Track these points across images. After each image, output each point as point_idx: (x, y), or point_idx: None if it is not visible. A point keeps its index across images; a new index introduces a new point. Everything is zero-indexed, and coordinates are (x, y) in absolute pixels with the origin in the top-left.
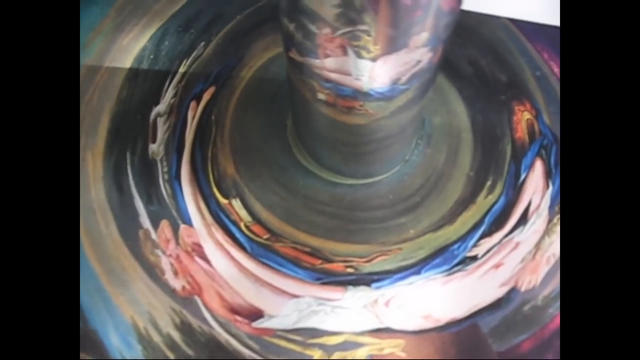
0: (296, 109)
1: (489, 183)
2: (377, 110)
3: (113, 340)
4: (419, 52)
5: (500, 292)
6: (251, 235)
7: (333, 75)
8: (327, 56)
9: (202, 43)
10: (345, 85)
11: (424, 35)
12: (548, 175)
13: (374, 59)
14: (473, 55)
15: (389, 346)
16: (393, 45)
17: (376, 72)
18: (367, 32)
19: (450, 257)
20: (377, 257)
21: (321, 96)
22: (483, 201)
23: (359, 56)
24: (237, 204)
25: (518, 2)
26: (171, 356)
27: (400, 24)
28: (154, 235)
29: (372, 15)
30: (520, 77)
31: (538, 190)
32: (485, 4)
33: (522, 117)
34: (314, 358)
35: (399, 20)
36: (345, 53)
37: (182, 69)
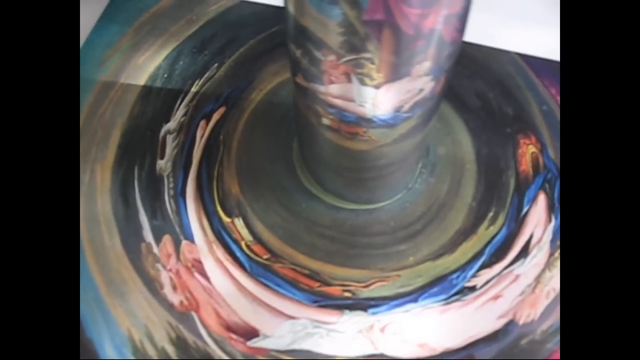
0: (301, 132)
1: (490, 214)
2: (380, 137)
3: (108, 351)
4: (421, 81)
5: (497, 325)
6: (251, 255)
7: (337, 102)
8: (331, 82)
9: (215, 65)
10: (349, 111)
11: (426, 65)
12: (551, 209)
13: (377, 87)
14: (481, 88)
15: None
16: (396, 73)
17: (379, 99)
18: (371, 60)
19: (448, 287)
20: (375, 282)
21: (326, 121)
22: (484, 232)
23: (363, 83)
24: (239, 223)
25: (527, 38)
26: None
27: (402, 53)
28: (155, 250)
29: (376, 43)
30: (527, 111)
31: (540, 224)
32: (494, 39)
33: (527, 150)
34: None
35: (402, 49)
36: (349, 80)
37: (194, 89)
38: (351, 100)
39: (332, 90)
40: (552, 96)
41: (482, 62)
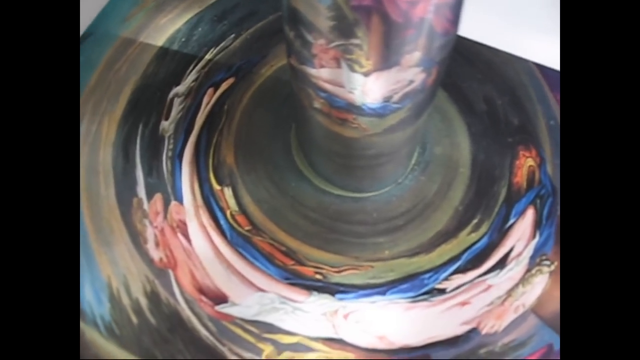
0: (296, 114)
1: (475, 221)
2: (370, 126)
3: (86, 293)
4: (411, 72)
5: (460, 330)
6: (234, 224)
7: (328, 86)
8: (322, 66)
9: (232, 35)
10: (339, 97)
11: (417, 55)
12: (537, 225)
13: (366, 74)
14: (490, 94)
15: (337, 357)
16: (385, 61)
17: (368, 87)
18: (360, 46)
19: (418, 285)
20: (347, 269)
21: (317, 105)
22: (465, 237)
23: (352, 69)
24: (228, 192)
25: (547, 49)
26: (134, 320)
27: (391, 41)
28: (145, 206)
29: (365, 30)
30: (533, 123)
31: (523, 238)
32: (514, 45)
33: (525, 162)
34: (263, 352)
35: (391, 37)
36: (339, 65)
37: (208, 56)
38: (341, 85)
39: (322, 74)
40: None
41: (497, 67)
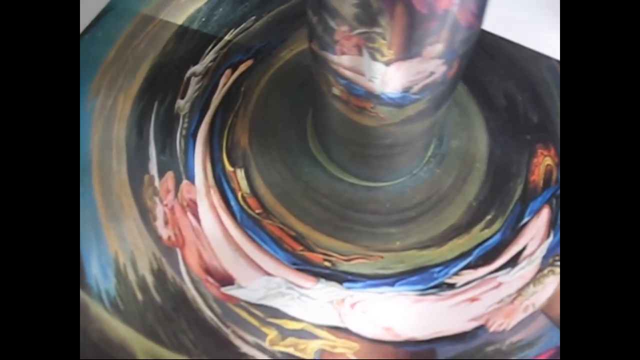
0: (314, 99)
1: (489, 217)
2: (388, 115)
3: (93, 267)
4: (432, 64)
5: (467, 326)
6: (245, 206)
7: (348, 73)
8: (343, 53)
9: (253, 17)
10: (359, 84)
11: (439, 47)
12: (552, 225)
13: (387, 63)
14: (511, 89)
15: (342, 346)
16: (407, 52)
17: (389, 76)
18: (382, 35)
19: (428, 278)
20: (357, 258)
21: (336, 91)
22: (478, 233)
23: (373, 58)
24: (240, 174)
25: None
26: (139, 297)
27: (414, 32)
28: (157, 183)
29: (388, 19)
30: (553, 121)
31: (537, 237)
32: (539, 42)
33: (543, 161)
34: (267, 336)
35: (414, 28)
36: (360, 53)
37: (227, 37)
38: (361, 73)
39: (343, 61)
40: None
41: (520, 63)
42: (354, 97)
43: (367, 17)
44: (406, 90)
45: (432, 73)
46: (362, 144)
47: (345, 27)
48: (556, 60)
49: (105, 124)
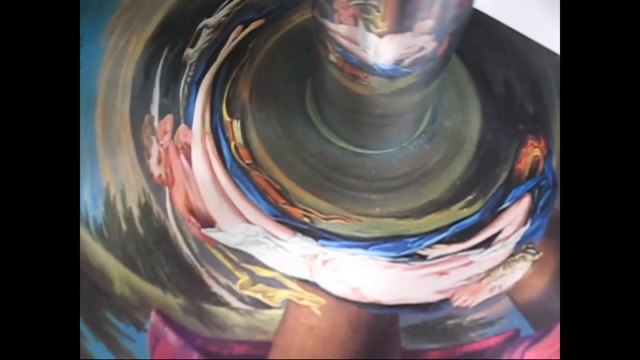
0: (313, 64)
1: (470, 197)
2: (379, 86)
3: (84, 194)
4: (423, 39)
5: (432, 298)
6: (236, 156)
7: (344, 42)
8: (341, 22)
9: None
10: (353, 53)
11: (429, 23)
12: (531, 213)
13: (380, 35)
14: (511, 79)
15: (308, 299)
16: (399, 25)
17: (381, 48)
18: (377, 7)
19: (401, 247)
20: (335, 219)
21: (332, 58)
22: (457, 211)
23: (368, 29)
24: (236, 125)
25: None
26: (124, 227)
27: (406, 6)
28: (156, 124)
29: None
30: (548, 115)
31: (514, 223)
32: (545, 37)
33: (532, 152)
34: (238, 280)
35: (406, 2)
36: (356, 23)
37: None
38: (356, 43)
39: (340, 29)
40: None
41: (523, 55)
42: (348, 65)
43: None
44: (397, 62)
45: (422, 48)
46: (353, 111)
47: None
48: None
49: (114, 63)
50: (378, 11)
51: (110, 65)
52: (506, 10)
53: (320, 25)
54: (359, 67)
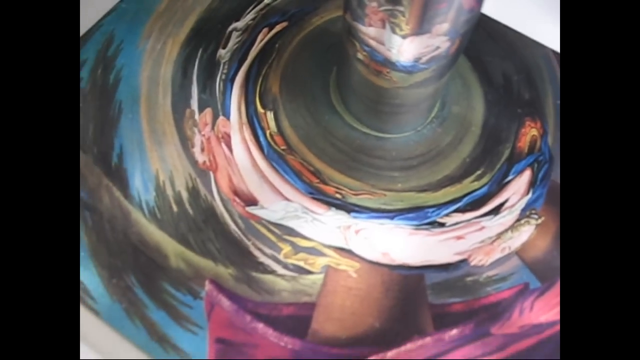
0: (341, 60)
1: (479, 172)
2: (399, 79)
3: (136, 181)
4: (439, 40)
5: (452, 259)
6: (271, 142)
7: (372, 42)
8: (370, 25)
9: None
10: (379, 52)
11: (445, 26)
12: (532, 184)
13: (404, 37)
14: (508, 70)
15: (345, 264)
16: (420, 28)
17: (404, 48)
18: (403, 12)
19: (422, 216)
20: (363, 194)
21: (360, 56)
22: (468, 184)
23: (393, 31)
24: (270, 115)
25: None
26: (175, 208)
27: (427, 12)
28: (197, 116)
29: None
30: (542, 100)
31: (518, 193)
32: (536, 32)
33: (529, 131)
34: (282, 250)
35: (427, 9)
36: (383, 26)
37: (266, 0)
38: (382, 43)
39: (369, 31)
40: None
41: (518, 49)
42: (374, 62)
43: None
44: (416, 60)
45: (437, 47)
46: (375, 101)
47: (374, 3)
48: (551, 50)
49: (154, 63)
50: (404, 16)
51: (149, 66)
52: (509, 11)
53: (351, 27)
54: (383, 64)
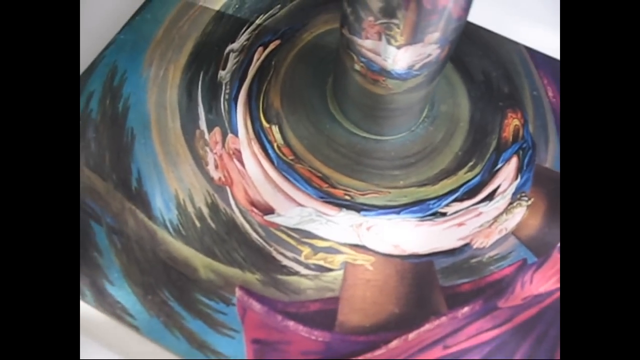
0: (337, 71)
1: (471, 163)
2: (394, 86)
3: (158, 202)
4: (430, 48)
5: (456, 244)
6: (280, 154)
7: (368, 54)
8: (367, 38)
9: (279, 5)
10: (376, 62)
11: (436, 35)
12: (519, 170)
13: (398, 47)
14: (487, 67)
15: (361, 259)
16: (413, 38)
17: (399, 57)
18: (398, 25)
19: (425, 208)
20: (370, 193)
21: (357, 67)
22: (463, 175)
23: (389, 43)
24: (275, 129)
25: (535, 34)
26: (198, 224)
27: (420, 23)
28: (206, 136)
29: (403, 12)
30: (520, 92)
31: (508, 179)
32: (509, 30)
33: (512, 122)
34: (302, 252)
35: (420, 20)
36: (380, 38)
37: (258, 21)
38: (378, 54)
39: (366, 44)
40: (543, 85)
41: (493, 47)
42: (370, 72)
43: (389, 11)
44: (410, 67)
45: (429, 55)
46: (372, 107)
47: (371, 17)
48: (523, 45)
49: (159, 89)
50: (398, 28)
51: (155, 92)
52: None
53: (348, 41)
54: (380, 73)
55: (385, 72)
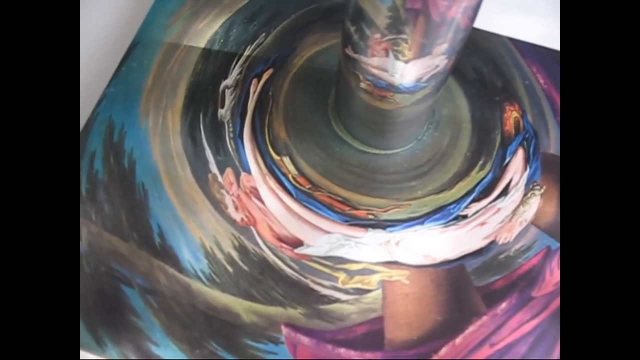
0: (340, 92)
1: (480, 162)
2: (402, 100)
3: (185, 254)
4: (438, 59)
5: (482, 243)
6: (297, 185)
7: (375, 71)
8: (373, 55)
9: (263, 34)
10: (383, 79)
11: (444, 46)
12: (527, 160)
13: (406, 62)
14: (477, 64)
15: (396, 275)
16: (422, 52)
17: (406, 71)
18: (406, 40)
19: (447, 214)
20: (391, 209)
21: (363, 85)
22: (475, 175)
23: (397, 58)
24: (286, 160)
25: (516, 25)
26: (230, 269)
27: (429, 36)
28: (220, 179)
29: (411, 27)
30: (512, 84)
31: (518, 171)
32: (491, 24)
33: (511, 115)
34: (339, 279)
35: (429, 33)
36: (387, 55)
37: (246, 53)
38: (385, 70)
39: (372, 61)
40: (533, 73)
41: (479, 43)
42: (377, 88)
43: (396, 26)
44: (418, 80)
45: (437, 66)
46: (380, 123)
47: (378, 34)
48: (506, 37)
49: (161, 138)
50: (406, 43)
51: (158, 142)
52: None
53: (353, 61)
54: (387, 89)
55: (392, 88)
